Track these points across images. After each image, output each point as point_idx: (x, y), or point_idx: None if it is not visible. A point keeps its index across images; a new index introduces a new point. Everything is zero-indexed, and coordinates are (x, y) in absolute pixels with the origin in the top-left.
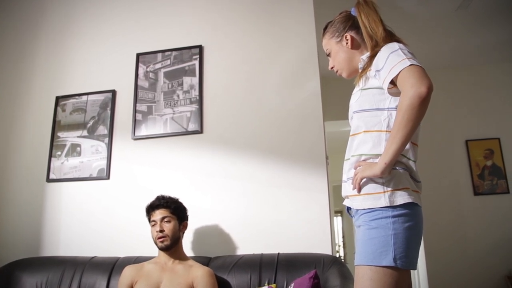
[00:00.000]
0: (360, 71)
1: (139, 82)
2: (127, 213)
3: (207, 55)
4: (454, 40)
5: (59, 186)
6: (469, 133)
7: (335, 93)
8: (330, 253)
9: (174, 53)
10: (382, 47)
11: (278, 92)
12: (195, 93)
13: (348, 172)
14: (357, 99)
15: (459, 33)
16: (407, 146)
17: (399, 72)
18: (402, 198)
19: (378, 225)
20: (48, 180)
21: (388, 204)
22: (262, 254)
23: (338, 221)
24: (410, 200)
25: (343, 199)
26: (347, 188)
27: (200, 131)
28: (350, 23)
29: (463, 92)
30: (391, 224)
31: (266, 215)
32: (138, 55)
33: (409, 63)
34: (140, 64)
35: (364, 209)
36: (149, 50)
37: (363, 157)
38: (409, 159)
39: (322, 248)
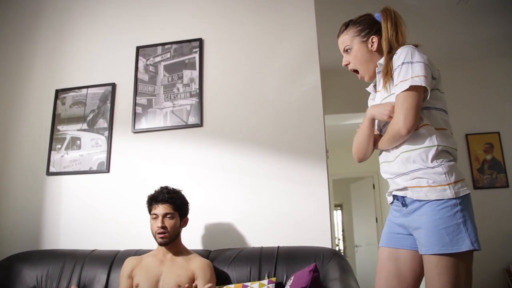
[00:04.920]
0: (381, 75)
1: (139, 75)
2: (127, 206)
3: (207, 48)
4: (454, 34)
5: (59, 179)
6: (469, 127)
7: (336, 86)
8: (330, 246)
9: (174, 46)
10: (398, 49)
11: (278, 85)
12: (195, 86)
13: (407, 166)
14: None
15: (459, 27)
16: (447, 134)
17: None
18: (463, 190)
19: (448, 213)
20: (48, 173)
21: (454, 196)
22: (262, 248)
23: (337, 214)
24: (468, 192)
25: (342, 193)
26: (399, 182)
27: (200, 124)
28: (376, 28)
29: (463, 86)
30: (460, 212)
31: (266, 208)
32: (138, 48)
33: (409, 85)
34: (140, 57)
35: (430, 200)
36: (149, 43)
37: (416, 151)
38: (454, 148)
39: (322, 241)
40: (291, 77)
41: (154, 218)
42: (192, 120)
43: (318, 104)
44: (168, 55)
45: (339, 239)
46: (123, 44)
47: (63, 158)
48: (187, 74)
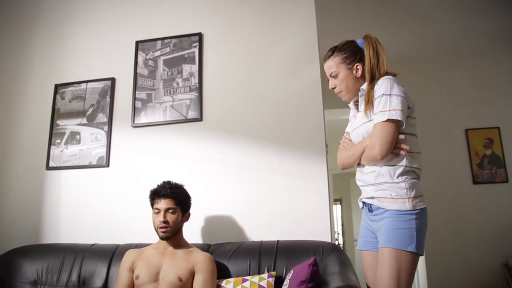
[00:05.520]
0: (363, 99)
1: (139, 70)
2: (126, 201)
3: (206, 43)
4: (454, 29)
5: (59, 174)
6: (469, 122)
7: None
8: (329, 240)
9: (173, 40)
10: (379, 78)
11: (278, 80)
12: (194, 80)
13: (377, 179)
14: (370, 128)
15: (460, 21)
16: (416, 156)
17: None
18: (420, 204)
19: (404, 219)
20: (48, 168)
21: (412, 209)
22: (261, 242)
23: (337, 209)
24: (424, 206)
25: (342, 187)
26: (368, 191)
27: (199, 119)
28: (360, 55)
29: (463, 81)
30: (414, 220)
31: (266, 203)
32: (137, 42)
33: (386, 118)
34: (139, 52)
35: (391, 209)
36: (148, 38)
37: (386, 168)
38: (419, 168)
39: (321, 235)
40: (291, 71)
41: (157, 212)
42: (191, 114)
43: (318, 98)
44: (168, 49)
45: (338, 234)
46: (122, 39)
47: (62, 152)
48: (187, 68)
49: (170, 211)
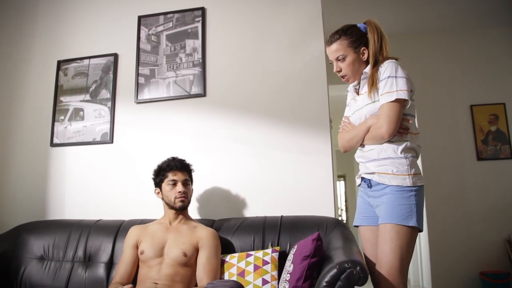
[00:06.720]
0: (366, 82)
1: (141, 45)
2: (131, 177)
3: (209, 17)
4: (460, 3)
5: (63, 150)
6: (474, 98)
7: None
8: (333, 216)
9: (176, 15)
10: (382, 62)
11: (282, 54)
12: (198, 56)
13: (379, 154)
14: (374, 109)
15: None
16: (415, 137)
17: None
18: (419, 181)
19: (404, 195)
20: (52, 144)
21: (412, 185)
22: (265, 217)
23: (340, 185)
24: (422, 184)
25: (346, 164)
26: (369, 167)
27: (203, 94)
28: (365, 40)
29: (468, 56)
30: (414, 197)
31: (270, 178)
32: (139, 17)
33: (395, 98)
34: (142, 27)
35: (392, 185)
36: (151, 13)
37: (390, 144)
38: (419, 146)
39: (325, 211)
40: (295, 46)
41: (173, 184)
42: (195, 90)
43: (323, 73)
44: (170, 24)
45: (341, 210)
46: (124, 14)
47: (66, 129)
48: (190, 43)
49: (187, 182)
